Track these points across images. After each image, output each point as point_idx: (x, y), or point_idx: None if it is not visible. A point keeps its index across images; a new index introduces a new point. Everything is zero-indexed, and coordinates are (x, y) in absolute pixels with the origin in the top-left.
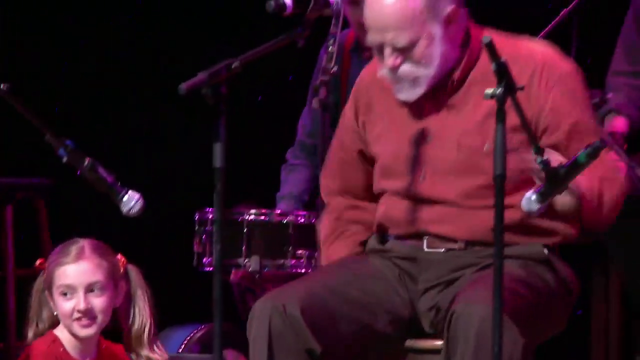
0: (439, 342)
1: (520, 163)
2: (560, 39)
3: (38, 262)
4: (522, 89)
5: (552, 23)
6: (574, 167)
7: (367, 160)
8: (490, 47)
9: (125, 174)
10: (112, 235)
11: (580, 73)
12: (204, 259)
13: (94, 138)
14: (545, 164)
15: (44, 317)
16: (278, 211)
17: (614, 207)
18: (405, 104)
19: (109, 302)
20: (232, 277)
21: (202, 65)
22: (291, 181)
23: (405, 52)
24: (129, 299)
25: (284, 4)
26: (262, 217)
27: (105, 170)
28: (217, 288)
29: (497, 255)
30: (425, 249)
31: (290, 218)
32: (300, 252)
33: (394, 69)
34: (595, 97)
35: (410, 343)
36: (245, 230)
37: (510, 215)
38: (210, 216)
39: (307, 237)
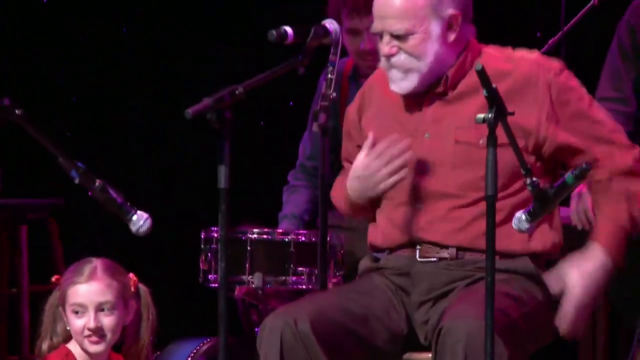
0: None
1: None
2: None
3: (54, 278)
4: (512, 114)
5: (541, 51)
6: (562, 188)
7: None
8: (482, 74)
9: (134, 194)
10: (121, 253)
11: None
12: (210, 276)
13: (104, 161)
14: (534, 185)
15: (58, 331)
16: (280, 230)
17: None
18: (405, 103)
19: (118, 320)
20: (236, 293)
21: (208, 90)
22: (292, 202)
23: (401, 41)
24: (139, 317)
25: (286, 34)
26: (265, 236)
27: (115, 191)
28: (222, 303)
29: (488, 272)
30: (418, 259)
31: (291, 237)
32: (301, 269)
33: (389, 57)
34: None
35: (407, 356)
36: (248, 249)
37: (500, 207)
38: (216, 235)
39: (307, 254)
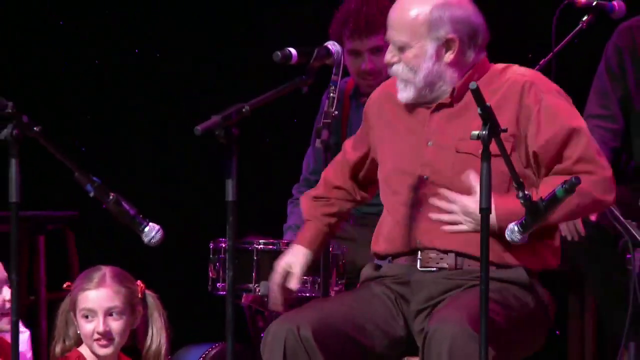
0: None
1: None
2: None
3: (66, 284)
4: (505, 130)
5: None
6: (553, 201)
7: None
8: (476, 93)
9: (147, 207)
10: (134, 262)
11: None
12: (218, 284)
13: (117, 175)
14: (526, 198)
15: (70, 334)
16: (285, 241)
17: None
18: (412, 111)
19: (125, 325)
20: (243, 300)
21: (216, 108)
22: (296, 213)
23: (400, 51)
24: (146, 321)
25: (290, 55)
26: (270, 246)
27: (128, 203)
28: (230, 310)
29: (483, 281)
30: (419, 268)
31: None
32: (305, 277)
33: (390, 64)
34: None
35: None
36: (255, 258)
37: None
38: (224, 245)
39: (311, 264)
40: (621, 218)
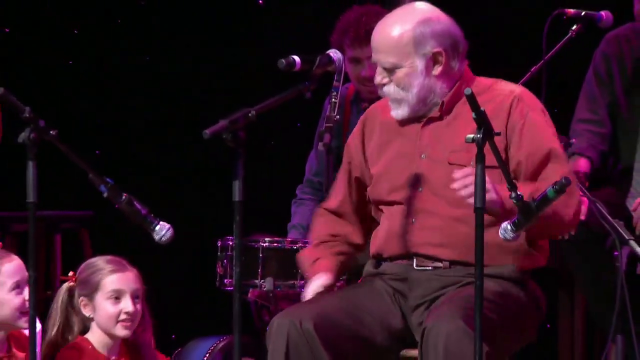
0: None
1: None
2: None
3: (70, 274)
4: (498, 134)
5: (524, 78)
6: (544, 202)
7: (363, 185)
8: (471, 98)
9: (157, 207)
10: (145, 260)
11: (547, 112)
12: (225, 280)
13: (130, 177)
14: (519, 198)
15: (73, 323)
16: (289, 239)
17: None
18: (405, 125)
19: (142, 308)
20: (249, 295)
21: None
22: (300, 213)
23: (389, 73)
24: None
25: (294, 62)
26: (275, 244)
27: (140, 203)
28: (237, 305)
29: (478, 276)
30: (415, 267)
31: (299, 245)
32: None
33: (380, 86)
34: (561, 142)
35: (403, 352)
36: (260, 255)
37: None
38: (231, 243)
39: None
40: (609, 217)
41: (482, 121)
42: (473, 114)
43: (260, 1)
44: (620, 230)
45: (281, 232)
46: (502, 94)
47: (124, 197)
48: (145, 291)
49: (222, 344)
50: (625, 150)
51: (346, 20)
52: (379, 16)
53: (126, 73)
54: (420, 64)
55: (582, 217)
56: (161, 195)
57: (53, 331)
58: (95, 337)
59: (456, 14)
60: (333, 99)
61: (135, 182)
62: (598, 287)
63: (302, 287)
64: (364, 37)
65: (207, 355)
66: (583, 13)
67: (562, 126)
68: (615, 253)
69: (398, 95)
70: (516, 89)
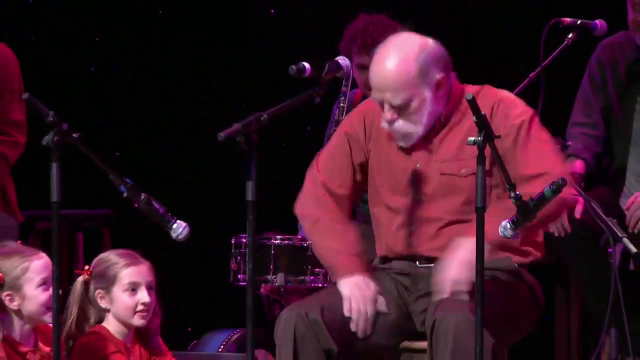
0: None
1: None
2: (528, 97)
3: (86, 267)
4: (498, 137)
5: (523, 83)
6: (541, 201)
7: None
8: (473, 103)
9: (175, 206)
10: (163, 256)
11: (535, 115)
12: (239, 276)
13: (149, 178)
14: (517, 198)
15: (90, 314)
16: (299, 237)
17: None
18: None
19: (155, 299)
20: (261, 290)
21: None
22: None
23: (400, 109)
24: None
25: (304, 68)
26: (286, 242)
27: (158, 203)
28: (250, 299)
29: (478, 273)
30: (418, 265)
31: (309, 242)
32: (317, 270)
33: (390, 123)
34: (557, 144)
35: (405, 344)
36: (272, 252)
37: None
38: (244, 241)
39: None
40: (603, 216)
41: (482, 124)
42: (474, 118)
43: (272, 10)
44: (614, 228)
45: (292, 230)
46: (487, 99)
47: (142, 197)
48: (156, 282)
49: (235, 336)
50: (618, 151)
51: (354, 28)
52: (385, 25)
53: (148, 78)
54: (428, 93)
55: (578, 216)
56: (178, 195)
57: (70, 322)
58: (112, 326)
59: (458, 24)
60: (341, 104)
61: (154, 183)
62: (593, 283)
63: (312, 282)
64: (371, 45)
65: (222, 346)
66: (579, 22)
67: (559, 129)
68: (610, 250)
69: (408, 129)
70: (499, 93)
